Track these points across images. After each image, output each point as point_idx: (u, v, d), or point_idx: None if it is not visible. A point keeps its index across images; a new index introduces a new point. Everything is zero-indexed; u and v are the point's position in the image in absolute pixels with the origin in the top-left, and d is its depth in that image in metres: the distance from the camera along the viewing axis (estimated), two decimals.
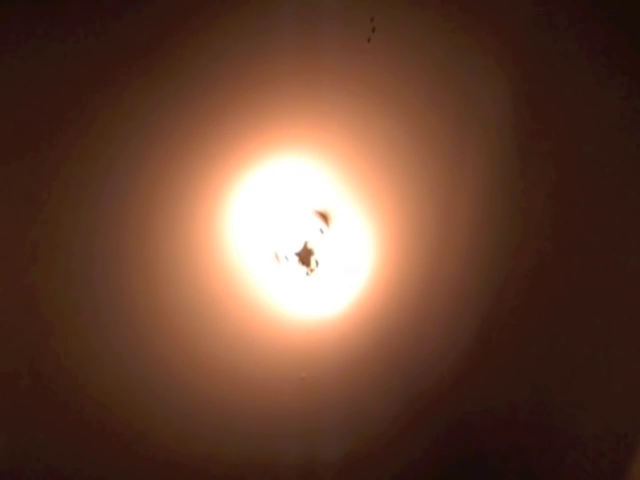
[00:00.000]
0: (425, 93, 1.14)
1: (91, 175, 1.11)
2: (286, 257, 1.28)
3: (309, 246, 1.28)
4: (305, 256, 1.28)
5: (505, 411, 1.54)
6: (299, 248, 1.27)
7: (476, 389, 1.54)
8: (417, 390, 1.56)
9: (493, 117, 1.16)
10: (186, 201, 1.18)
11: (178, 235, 1.22)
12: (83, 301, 1.22)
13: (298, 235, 1.27)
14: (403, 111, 1.16)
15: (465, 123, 1.18)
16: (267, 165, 1.19)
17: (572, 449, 1.40)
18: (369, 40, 1.08)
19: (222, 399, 1.47)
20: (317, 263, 1.29)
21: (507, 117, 1.16)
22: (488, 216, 1.29)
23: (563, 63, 1.09)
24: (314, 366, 1.46)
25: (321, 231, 1.28)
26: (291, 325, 1.41)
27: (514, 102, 1.14)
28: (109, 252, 1.19)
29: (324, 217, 1.28)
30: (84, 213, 1.14)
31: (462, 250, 1.35)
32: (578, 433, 1.36)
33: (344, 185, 1.24)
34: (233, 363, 1.42)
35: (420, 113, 1.16)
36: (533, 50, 1.09)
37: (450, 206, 1.28)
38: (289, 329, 1.41)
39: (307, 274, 1.29)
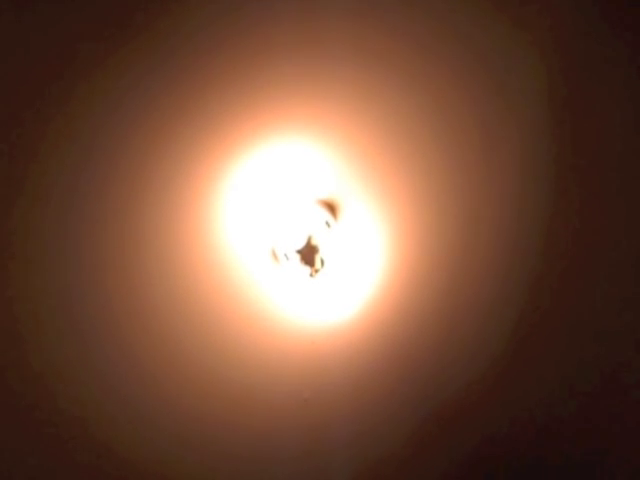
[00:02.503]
0: (449, 72, 1.11)
1: (63, 166, 1.06)
2: (286, 255, 1.22)
3: (313, 242, 1.22)
4: (308, 254, 1.22)
5: (542, 425, 1.52)
6: (301, 245, 1.22)
7: (506, 401, 1.51)
8: (436, 404, 1.51)
9: (527, 113, 1.16)
10: (171, 192, 1.13)
11: (162, 231, 1.16)
12: (57, 305, 1.17)
13: (300, 229, 1.21)
14: (423, 91, 1.13)
15: (496, 114, 1.17)
16: (264, 149, 1.13)
17: (622, 463, 1.45)
18: None
19: (214, 417, 1.41)
20: (322, 262, 1.24)
21: (543, 118, 1.16)
22: (516, 214, 1.28)
23: (610, 67, 1.11)
24: (318, 380, 1.42)
25: (327, 224, 1.22)
26: (292, 334, 1.35)
27: (551, 103, 1.14)
28: (85, 251, 1.14)
29: (330, 208, 1.23)
30: (57, 207, 1.09)
31: (487, 249, 1.32)
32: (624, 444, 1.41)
33: (353, 171, 1.20)
34: (226, 377, 1.36)
35: (443, 95, 1.13)
36: (577, 48, 1.10)
37: (474, 200, 1.25)
38: (290, 338, 1.36)
39: (311, 275, 1.23)
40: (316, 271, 1.23)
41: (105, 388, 1.27)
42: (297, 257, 1.22)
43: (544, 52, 1.10)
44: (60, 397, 1.25)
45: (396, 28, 1.05)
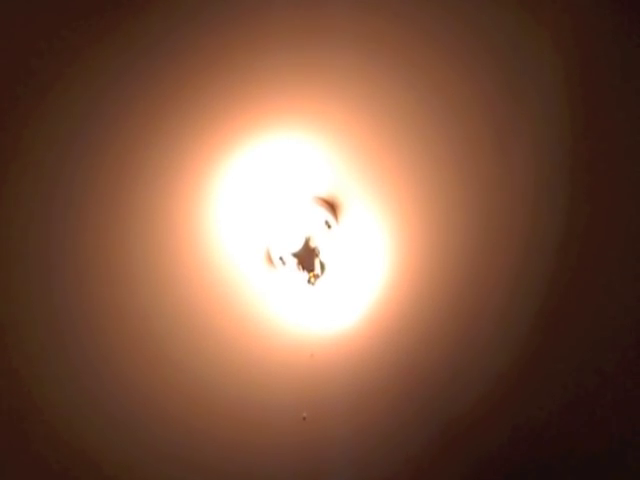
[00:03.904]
0: (459, 65, 1.09)
1: (44, 166, 1.05)
2: (282, 259, 1.19)
3: (312, 244, 1.20)
4: (307, 257, 1.20)
5: (554, 438, 1.49)
6: (299, 247, 1.19)
7: (524, 410, 1.49)
8: (444, 420, 1.49)
9: (541, 110, 1.15)
10: (158, 190, 1.11)
11: (150, 232, 1.15)
12: (40, 307, 1.16)
13: (297, 230, 1.19)
14: (431, 84, 1.11)
15: (507, 110, 1.15)
16: (258, 143, 1.12)
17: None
18: None
19: (205, 434, 1.40)
20: (322, 266, 1.20)
21: (558, 115, 1.15)
22: (529, 214, 1.25)
23: (628, 65, 1.09)
24: (318, 394, 1.40)
25: (327, 225, 1.19)
26: (289, 345, 1.34)
27: (567, 100, 1.13)
28: (70, 251, 1.13)
29: (331, 206, 1.21)
30: (38, 207, 1.08)
31: (498, 250, 1.29)
32: None
33: (355, 167, 1.17)
34: (218, 392, 1.35)
35: (452, 89, 1.11)
36: (596, 44, 1.08)
37: (483, 198, 1.23)
38: (287, 350, 1.34)
39: (309, 281, 1.20)
40: (315, 276, 1.20)
41: (88, 398, 1.26)
42: (294, 261, 1.19)
43: (561, 48, 1.08)
44: (43, 405, 1.24)
45: (403, 16, 1.02)
